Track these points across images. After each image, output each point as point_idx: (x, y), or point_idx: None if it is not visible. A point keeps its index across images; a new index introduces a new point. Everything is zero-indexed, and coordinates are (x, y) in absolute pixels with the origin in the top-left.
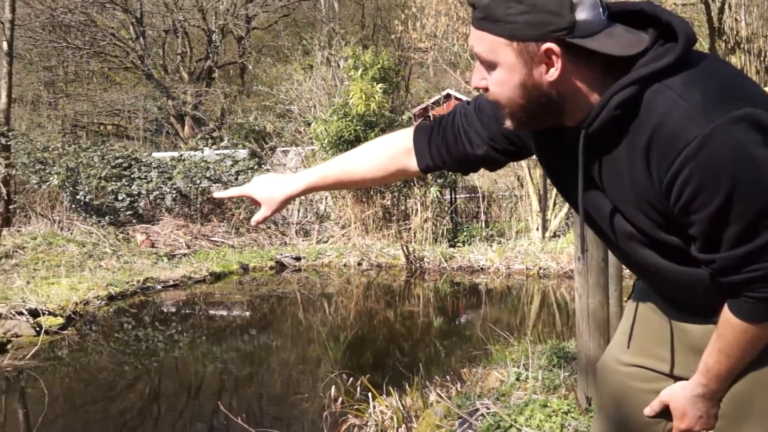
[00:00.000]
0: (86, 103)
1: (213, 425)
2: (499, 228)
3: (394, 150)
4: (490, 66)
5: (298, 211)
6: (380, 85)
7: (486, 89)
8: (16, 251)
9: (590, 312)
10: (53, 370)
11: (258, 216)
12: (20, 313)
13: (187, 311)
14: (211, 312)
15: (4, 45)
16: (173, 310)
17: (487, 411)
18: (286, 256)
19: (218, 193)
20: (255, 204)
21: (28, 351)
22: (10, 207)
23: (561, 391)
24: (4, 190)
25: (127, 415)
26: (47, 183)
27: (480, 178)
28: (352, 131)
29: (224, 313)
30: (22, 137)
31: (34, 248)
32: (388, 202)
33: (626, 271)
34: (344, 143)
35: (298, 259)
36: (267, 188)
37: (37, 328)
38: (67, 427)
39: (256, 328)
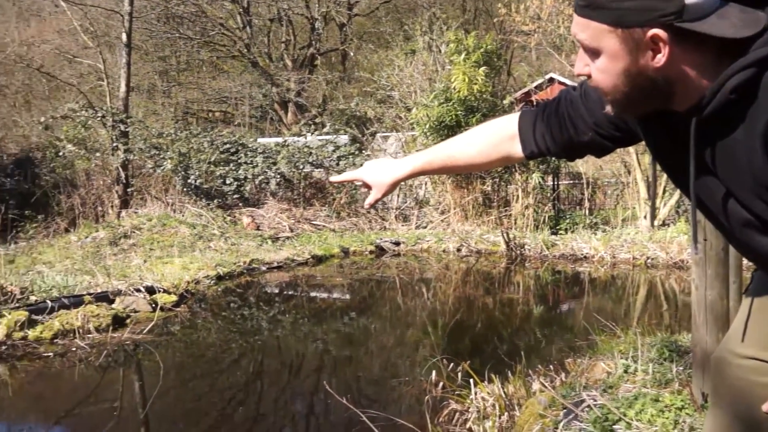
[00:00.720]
0: (196, 91)
1: (313, 403)
2: (604, 216)
3: (498, 136)
4: (594, 53)
5: (398, 196)
6: (483, 68)
7: (589, 76)
8: (134, 231)
9: (708, 304)
10: (166, 344)
11: (369, 199)
12: (138, 290)
13: (290, 292)
14: (313, 294)
15: (124, 36)
16: (276, 291)
17: (594, 403)
18: (386, 241)
19: (334, 177)
20: (366, 187)
21: (145, 326)
22: (128, 190)
23: (674, 385)
24: (123, 174)
25: (232, 389)
26: (161, 167)
27: (584, 164)
28: (453, 116)
29: (325, 295)
30: (139, 124)
31: (149, 229)
32: (489, 188)
33: (746, 263)
34: (445, 128)
35: (397, 244)
36: (377, 172)
37: (153, 305)
38: (178, 399)
39: (356, 310)
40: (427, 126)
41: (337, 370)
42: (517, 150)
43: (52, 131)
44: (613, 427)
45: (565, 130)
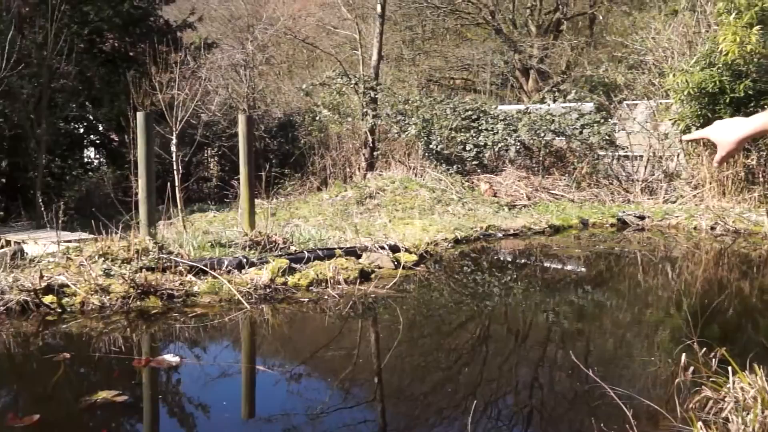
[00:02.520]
0: (439, 59)
1: (539, 373)
2: None
3: None
4: None
5: (645, 167)
6: (757, 27)
7: None
8: (378, 193)
9: None
10: (402, 301)
11: (717, 156)
12: (382, 248)
13: (523, 261)
14: (547, 264)
15: (378, 8)
16: (510, 258)
17: None
18: (629, 214)
19: (686, 136)
20: (714, 146)
21: (387, 282)
22: (374, 153)
23: None
24: (370, 138)
25: (458, 351)
26: (406, 133)
27: None
28: (717, 82)
29: (559, 266)
30: (387, 91)
31: (392, 191)
32: (753, 162)
33: None
34: (705, 96)
35: (641, 218)
36: (722, 131)
37: (395, 263)
38: (407, 354)
39: (591, 284)
40: (685, 93)
41: (569, 343)
42: None
43: (310, 97)
44: None
45: None
